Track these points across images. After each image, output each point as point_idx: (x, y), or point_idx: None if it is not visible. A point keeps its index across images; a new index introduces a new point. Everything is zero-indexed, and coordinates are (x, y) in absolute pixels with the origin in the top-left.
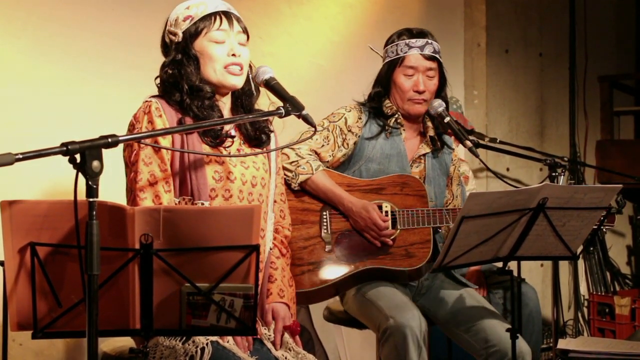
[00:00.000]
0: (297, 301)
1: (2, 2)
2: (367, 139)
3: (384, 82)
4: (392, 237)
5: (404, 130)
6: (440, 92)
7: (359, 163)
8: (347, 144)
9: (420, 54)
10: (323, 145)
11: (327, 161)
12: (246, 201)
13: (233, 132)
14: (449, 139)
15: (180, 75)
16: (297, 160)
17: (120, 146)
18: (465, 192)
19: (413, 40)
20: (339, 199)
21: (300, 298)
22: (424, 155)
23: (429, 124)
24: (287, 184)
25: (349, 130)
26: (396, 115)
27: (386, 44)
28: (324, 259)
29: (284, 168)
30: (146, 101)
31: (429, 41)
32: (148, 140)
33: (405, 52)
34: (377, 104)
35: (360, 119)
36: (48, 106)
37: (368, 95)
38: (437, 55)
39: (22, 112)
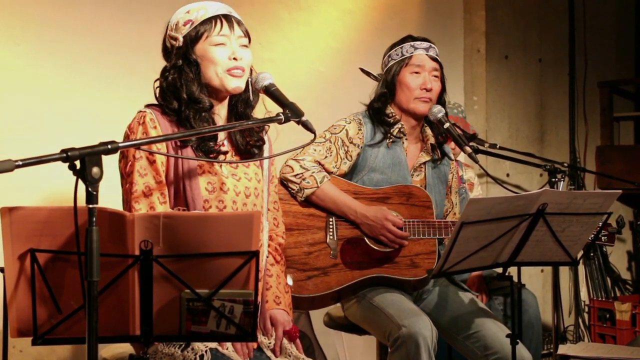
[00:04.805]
0: (300, 306)
1: (1, 8)
2: (369, 146)
3: (390, 84)
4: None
5: (405, 139)
6: (441, 97)
7: (362, 173)
8: (351, 156)
9: (426, 54)
10: (326, 157)
11: (332, 172)
12: None
13: (225, 144)
14: (449, 150)
15: (181, 83)
16: (301, 173)
17: (118, 154)
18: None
19: (418, 42)
20: (349, 208)
21: (303, 303)
22: (424, 163)
23: (429, 131)
24: (293, 196)
25: (351, 142)
26: (399, 125)
27: (387, 51)
28: (330, 266)
29: (288, 180)
30: (140, 111)
31: (432, 45)
32: (146, 149)
33: (412, 53)
34: (382, 105)
35: (360, 130)
36: (48, 112)
37: (373, 97)
38: (439, 59)
39: (22, 118)
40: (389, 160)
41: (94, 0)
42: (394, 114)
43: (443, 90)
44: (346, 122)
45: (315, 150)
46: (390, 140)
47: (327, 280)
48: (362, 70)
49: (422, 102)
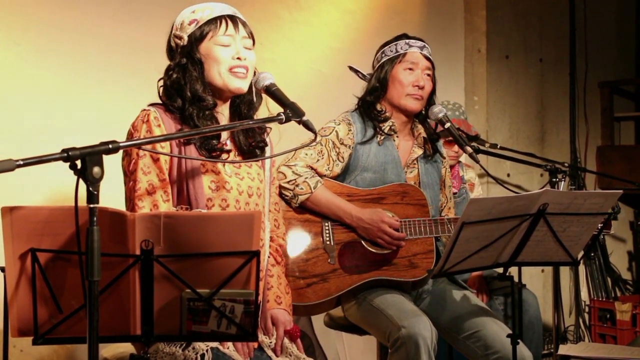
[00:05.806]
0: (300, 313)
1: (2, 8)
2: (361, 144)
3: (382, 80)
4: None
5: (397, 136)
6: (431, 97)
7: (354, 173)
8: (343, 157)
9: (420, 53)
10: (318, 160)
11: (325, 175)
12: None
13: (228, 144)
14: (441, 146)
15: (185, 81)
16: (294, 179)
17: (121, 152)
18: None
19: (413, 41)
20: (345, 212)
21: (302, 310)
22: (417, 159)
23: (420, 127)
24: (287, 203)
25: (342, 143)
26: (390, 123)
27: (381, 48)
28: (328, 271)
29: (282, 187)
30: (144, 110)
31: (426, 45)
32: (148, 148)
33: (406, 50)
34: (374, 99)
35: (350, 130)
36: (49, 112)
37: (365, 92)
38: (432, 59)
39: (23, 118)
40: (381, 158)
41: (95, 0)
42: (384, 111)
43: (433, 91)
44: (335, 124)
45: (306, 154)
46: (382, 137)
47: (326, 287)
48: (350, 68)
49: (413, 99)
